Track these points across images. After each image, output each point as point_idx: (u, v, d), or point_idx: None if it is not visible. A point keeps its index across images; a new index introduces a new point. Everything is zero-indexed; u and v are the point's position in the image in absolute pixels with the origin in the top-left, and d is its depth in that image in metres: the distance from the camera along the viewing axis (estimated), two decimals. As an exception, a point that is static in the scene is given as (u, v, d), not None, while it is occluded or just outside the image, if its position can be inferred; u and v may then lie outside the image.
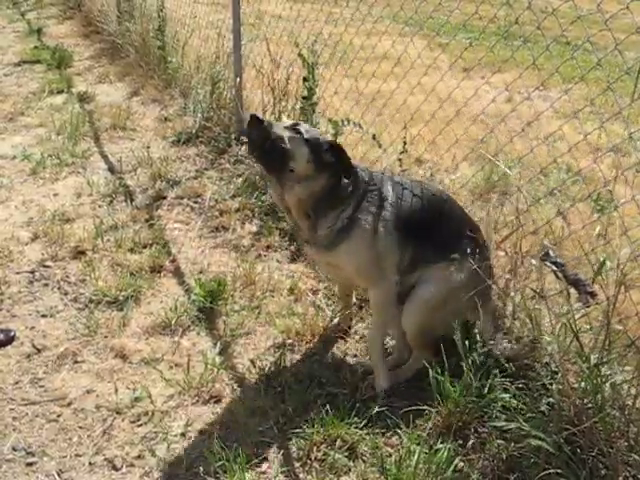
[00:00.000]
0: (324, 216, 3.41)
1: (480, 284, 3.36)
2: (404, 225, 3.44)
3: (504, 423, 3.05)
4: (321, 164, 3.34)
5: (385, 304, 3.53)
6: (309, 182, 3.35)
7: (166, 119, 7.36)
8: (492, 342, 3.43)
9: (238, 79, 6.36)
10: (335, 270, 3.70)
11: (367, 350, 3.79)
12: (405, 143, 4.64)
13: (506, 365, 3.23)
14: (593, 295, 3.05)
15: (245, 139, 3.42)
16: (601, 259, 2.94)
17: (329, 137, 3.60)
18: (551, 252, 3.23)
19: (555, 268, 3.18)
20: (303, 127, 3.42)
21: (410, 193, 3.53)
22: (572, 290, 3.19)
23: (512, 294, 3.54)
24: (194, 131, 6.79)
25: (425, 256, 3.48)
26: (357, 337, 3.98)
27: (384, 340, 3.69)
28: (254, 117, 3.33)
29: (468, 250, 3.41)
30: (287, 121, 3.62)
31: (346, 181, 3.40)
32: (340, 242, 3.41)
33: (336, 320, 4.02)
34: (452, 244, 3.46)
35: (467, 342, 3.27)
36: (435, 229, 3.48)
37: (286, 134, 3.33)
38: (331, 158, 3.35)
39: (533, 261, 3.26)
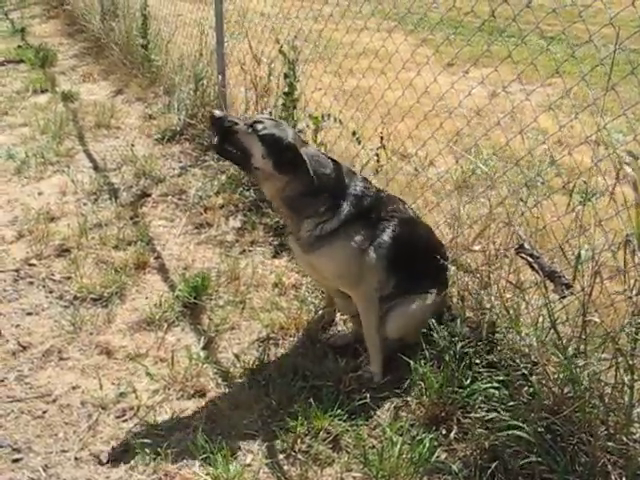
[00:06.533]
0: (304, 219, 3.44)
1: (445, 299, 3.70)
2: (395, 258, 3.52)
3: (485, 413, 3.09)
4: (278, 161, 3.32)
5: (369, 304, 3.60)
6: (273, 179, 3.37)
7: (150, 117, 7.37)
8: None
9: (221, 76, 6.37)
10: (314, 271, 3.71)
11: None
12: (382, 138, 4.66)
13: (486, 355, 3.27)
14: (569, 286, 3.07)
15: (211, 140, 3.43)
16: (577, 250, 2.97)
17: (292, 134, 3.49)
18: (526, 244, 3.25)
19: (531, 260, 3.20)
20: (263, 123, 3.39)
21: (407, 227, 3.62)
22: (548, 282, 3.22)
23: (489, 287, 3.57)
24: (178, 129, 6.81)
25: (407, 287, 3.61)
26: (341, 330, 4.02)
27: (379, 333, 3.67)
28: (212, 116, 3.39)
29: (440, 278, 3.69)
30: (258, 116, 3.59)
31: (339, 199, 3.43)
32: (320, 247, 3.44)
33: (320, 313, 4.05)
34: (430, 274, 3.65)
35: (446, 333, 3.34)
36: (420, 263, 3.61)
37: (243, 129, 3.36)
38: (288, 158, 3.33)
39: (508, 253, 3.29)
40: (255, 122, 3.39)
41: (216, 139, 3.42)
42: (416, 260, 3.57)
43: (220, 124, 3.38)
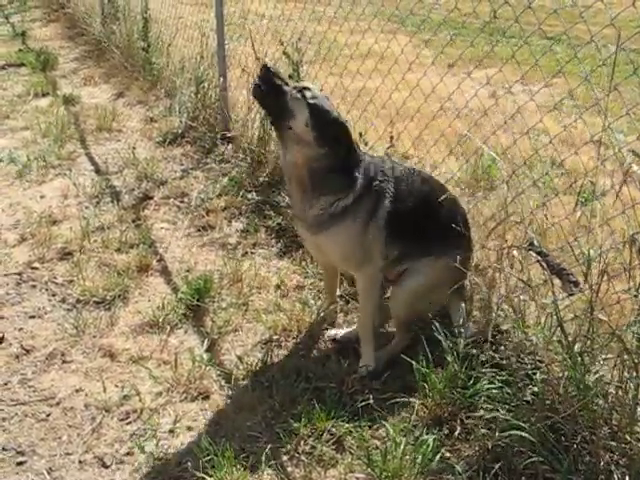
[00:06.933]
0: (319, 196, 3.43)
1: (461, 275, 3.52)
2: (397, 223, 3.50)
3: (489, 413, 3.09)
4: (321, 134, 3.31)
5: (371, 288, 3.62)
6: (307, 148, 3.35)
7: (152, 120, 7.37)
8: (462, 326, 3.49)
9: (222, 79, 6.38)
10: (321, 252, 3.74)
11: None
12: (392, 138, 4.66)
13: (491, 354, 3.27)
14: (576, 284, 3.09)
15: (255, 82, 3.47)
16: (584, 250, 2.97)
17: (335, 109, 3.53)
18: (535, 242, 3.26)
19: (539, 258, 3.21)
20: (312, 92, 3.41)
21: (411, 191, 3.58)
22: (556, 280, 3.22)
23: (498, 284, 3.57)
24: (180, 131, 6.81)
25: (414, 251, 3.58)
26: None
27: (374, 323, 3.69)
28: (266, 67, 3.40)
29: (454, 243, 3.53)
30: (306, 82, 3.63)
31: (356, 174, 3.43)
32: (330, 227, 3.45)
33: (322, 315, 4.04)
34: (441, 238, 3.53)
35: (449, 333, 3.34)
36: (427, 226, 3.56)
37: (293, 92, 3.37)
38: (333, 133, 3.34)
39: (516, 252, 3.28)
40: (305, 88, 3.41)
41: (261, 85, 3.42)
42: (425, 224, 3.55)
43: (270, 78, 3.39)
